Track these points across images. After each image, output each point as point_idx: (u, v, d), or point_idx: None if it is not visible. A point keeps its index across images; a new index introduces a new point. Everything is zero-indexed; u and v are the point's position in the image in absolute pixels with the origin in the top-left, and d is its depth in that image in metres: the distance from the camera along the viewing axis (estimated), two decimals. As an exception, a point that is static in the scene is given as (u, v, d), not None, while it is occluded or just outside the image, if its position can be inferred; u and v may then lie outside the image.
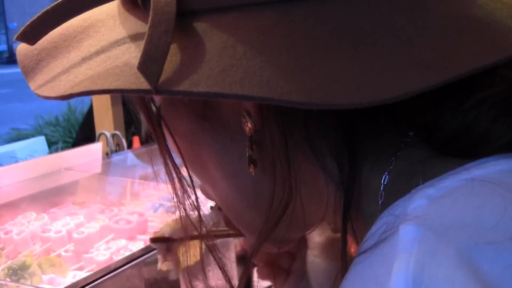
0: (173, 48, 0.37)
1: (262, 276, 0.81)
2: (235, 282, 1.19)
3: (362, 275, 0.36)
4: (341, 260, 0.43)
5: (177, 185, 0.50)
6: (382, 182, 0.41)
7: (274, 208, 0.43)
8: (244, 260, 1.40)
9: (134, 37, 0.39)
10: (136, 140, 2.14)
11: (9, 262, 1.20)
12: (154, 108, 0.49)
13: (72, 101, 7.46)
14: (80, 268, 1.23)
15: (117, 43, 0.40)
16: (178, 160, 0.50)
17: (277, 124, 0.41)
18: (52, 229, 1.33)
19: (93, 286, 1.10)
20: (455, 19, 0.38)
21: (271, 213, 0.43)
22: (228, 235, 0.88)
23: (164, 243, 0.86)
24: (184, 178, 0.50)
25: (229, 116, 0.44)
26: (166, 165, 0.50)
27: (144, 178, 1.81)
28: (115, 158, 1.97)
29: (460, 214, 0.35)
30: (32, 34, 0.41)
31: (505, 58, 0.37)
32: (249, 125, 0.42)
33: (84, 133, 2.72)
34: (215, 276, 1.12)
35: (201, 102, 0.44)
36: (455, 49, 0.37)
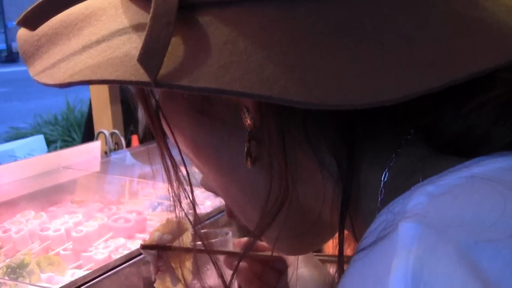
0: (174, 41, 0.37)
1: None
2: (234, 281, 1.19)
3: (361, 272, 0.36)
4: (338, 258, 0.43)
5: (174, 181, 0.50)
6: (382, 179, 0.41)
7: (270, 205, 0.43)
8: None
9: (135, 28, 0.39)
10: (135, 139, 2.14)
11: (7, 260, 1.20)
12: (153, 101, 0.48)
13: (71, 100, 7.46)
14: (79, 267, 1.23)
15: (118, 32, 0.39)
16: (177, 155, 0.49)
17: (275, 122, 0.41)
18: (51, 227, 1.33)
19: (92, 284, 1.10)
20: (457, 19, 0.38)
21: (267, 210, 0.43)
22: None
23: (155, 250, 0.85)
24: (182, 174, 0.50)
25: (228, 111, 0.43)
26: (163, 159, 0.50)
27: (143, 176, 1.81)
28: (114, 156, 1.97)
29: (460, 212, 0.35)
30: (33, 19, 0.41)
31: (507, 61, 0.37)
32: (249, 121, 0.42)
33: (88, 132, 2.72)
34: (213, 275, 1.12)
35: (200, 97, 0.44)
36: (456, 50, 0.36)
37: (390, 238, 0.35)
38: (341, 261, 0.43)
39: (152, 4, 0.37)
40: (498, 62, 0.37)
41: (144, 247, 0.85)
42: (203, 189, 1.64)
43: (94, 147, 1.85)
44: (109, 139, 2.00)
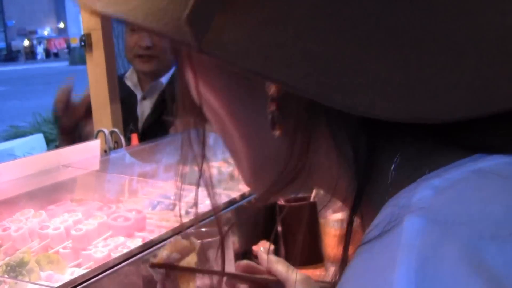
0: (224, 6, 0.36)
1: None
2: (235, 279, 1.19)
3: (365, 265, 0.36)
4: (343, 249, 0.43)
5: (198, 156, 0.49)
6: (390, 171, 0.41)
7: (284, 174, 0.43)
8: (243, 258, 1.40)
9: None
10: (134, 138, 2.14)
11: (7, 258, 1.20)
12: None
13: (71, 98, 7.45)
14: (78, 265, 1.23)
15: None
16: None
17: (300, 101, 0.40)
18: (50, 226, 1.33)
19: (91, 283, 1.10)
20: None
21: (279, 180, 0.43)
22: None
23: (163, 268, 0.86)
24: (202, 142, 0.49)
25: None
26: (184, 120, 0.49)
27: (143, 175, 1.81)
28: (113, 155, 1.97)
29: (466, 207, 0.35)
30: None
31: None
32: (273, 88, 0.41)
33: None
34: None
35: None
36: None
37: (394, 231, 0.35)
38: (346, 253, 0.42)
39: None
40: None
41: (153, 265, 0.86)
42: (203, 188, 1.64)
43: (94, 146, 1.85)
44: (109, 137, 2.00)
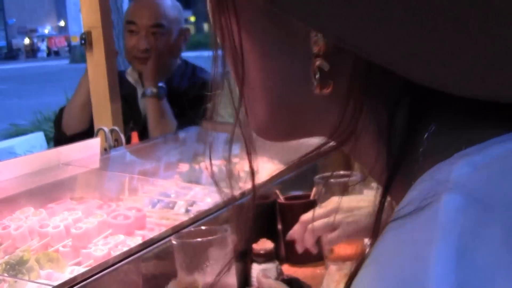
0: None
1: None
2: (234, 278, 1.20)
3: (399, 241, 0.34)
4: (374, 222, 0.41)
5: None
6: (423, 140, 0.39)
7: (334, 136, 0.41)
8: (242, 256, 1.40)
9: None
10: (134, 136, 2.14)
11: (6, 257, 1.20)
12: None
13: (71, 96, 7.46)
14: (78, 264, 1.23)
15: None
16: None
17: (347, 62, 0.39)
18: (50, 224, 1.33)
19: (91, 281, 1.10)
20: None
21: (327, 141, 0.42)
22: None
23: None
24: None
25: (298, 23, 0.41)
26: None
27: (143, 173, 1.81)
28: (114, 153, 1.96)
29: (506, 187, 0.34)
30: None
31: None
32: (321, 45, 0.39)
33: None
34: (213, 271, 1.12)
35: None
36: None
37: (432, 208, 0.33)
38: (377, 226, 0.41)
39: None
40: None
41: None
42: (203, 186, 1.65)
43: (94, 144, 1.85)
44: (109, 136, 2.00)
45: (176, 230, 1.28)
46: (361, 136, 0.41)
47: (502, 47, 0.34)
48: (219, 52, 0.46)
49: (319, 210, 1.30)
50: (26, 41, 38.99)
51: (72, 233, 1.30)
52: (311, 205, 1.49)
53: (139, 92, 2.52)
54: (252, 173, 0.47)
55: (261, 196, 1.29)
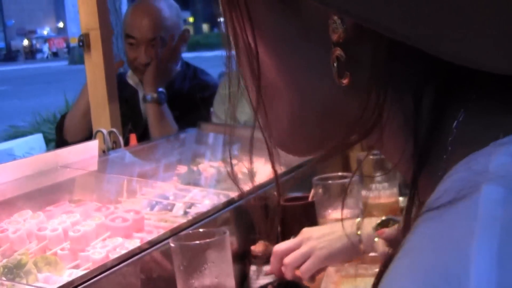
0: None
1: None
2: (232, 280, 1.20)
3: (434, 234, 0.32)
4: (405, 213, 0.39)
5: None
6: (453, 128, 0.37)
7: (357, 128, 0.40)
8: (241, 258, 1.40)
9: None
10: (133, 138, 2.14)
11: (4, 260, 1.19)
12: None
13: (70, 98, 7.46)
14: (76, 267, 1.23)
15: None
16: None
17: (369, 44, 0.38)
18: (48, 227, 1.32)
19: (89, 284, 1.10)
20: None
21: (349, 133, 0.41)
22: None
23: None
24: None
25: (314, 12, 0.39)
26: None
27: (141, 176, 1.81)
28: (112, 155, 1.96)
29: None
30: None
31: None
32: (340, 31, 0.38)
33: None
34: (211, 274, 1.12)
35: None
36: None
37: (470, 200, 0.32)
38: (409, 217, 0.39)
39: None
40: None
41: None
42: (201, 188, 1.64)
43: (92, 146, 1.84)
44: (107, 138, 2.00)
45: (175, 233, 1.27)
46: (386, 127, 0.40)
47: None
48: (233, 53, 0.44)
49: (289, 242, 1.31)
50: (25, 42, 38.98)
51: (70, 236, 1.30)
52: (310, 206, 1.49)
53: (140, 94, 2.52)
54: (276, 176, 0.46)
55: (260, 198, 1.29)
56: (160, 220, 1.45)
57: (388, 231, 1.21)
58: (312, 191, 1.52)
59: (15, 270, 1.15)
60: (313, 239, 1.27)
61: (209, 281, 1.12)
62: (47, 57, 37.67)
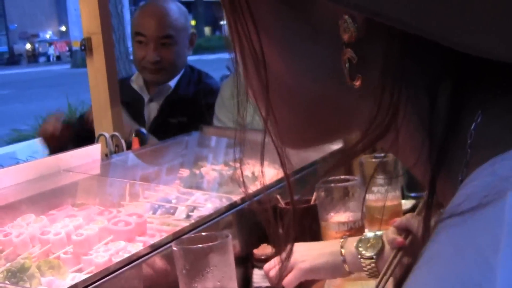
0: None
1: None
2: (234, 284, 1.20)
3: (457, 241, 0.31)
4: (425, 215, 0.38)
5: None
6: (471, 130, 0.36)
7: (371, 129, 0.39)
8: (243, 262, 1.40)
9: None
10: (135, 141, 2.14)
11: (8, 264, 1.20)
12: None
13: (73, 102, 7.47)
14: (79, 270, 1.23)
15: None
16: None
17: (383, 44, 0.37)
18: (51, 231, 1.33)
19: (92, 288, 1.10)
20: None
21: (365, 135, 0.39)
22: None
23: None
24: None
25: (323, 13, 0.38)
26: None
27: (143, 179, 1.81)
28: (114, 159, 1.97)
29: None
30: None
31: None
32: (351, 31, 0.37)
33: None
34: (214, 278, 1.12)
35: None
36: None
37: (495, 206, 0.30)
38: (428, 220, 0.38)
39: None
40: None
41: None
42: (204, 191, 1.64)
43: (95, 150, 1.85)
44: (110, 141, 2.00)
45: (177, 236, 1.28)
46: (402, 128, 0.39)
47: None
48: (239, 58, 0.43)
49: (276, 259, 1.31)
50: (28, 46, 39.05)
51: (73, 239, 1.30)
52: (312, 210, 1.49)
53: (145, 98, 2.53)
54: (287, 178, 0.45)
55: (267, 200, 1.30)
56: (163, 224, 1.45)
57: (399, 219, 1.21)
58: (315, 195, 1.52)
59: (18, 274, 1.16)
60: (297, 252, 1.27)
61: (212, 284, 1.12)
62: (52, 59, 37.73)
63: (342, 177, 1.52)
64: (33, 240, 1.32)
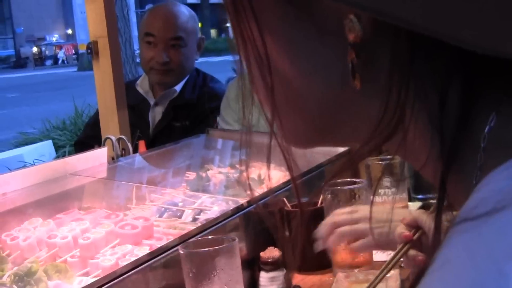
0: None
1: None
2: (241, 287, 1.19)
3: (470, 247, 0.30)
4: (435, 220, 0.38)
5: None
6: (484, 133, 0.35)
7: (379, 130, 0.38)
8: (250, 265, 1.40)
9: None
10: (142, 145, 2.14)
11: (15, 268, 1.20)
12: None
13: (79, 105, 7.49)
14: (86, 274, 1.24)
15: None
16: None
17: (390, 43, 0.36)
18: (58, 234, 1.33)
19: (99, 291, 1.10)
20: None
21: (373, 136, 0.39)
22: None
23: None
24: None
25: (328, 13, 0.38)
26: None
27: (150, 182, 1.81)
28: (121, 162, 1.97)
29: None
30: None
31: None
32: (357, 31, 0.37)
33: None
34: (221, 281, 1.12)
35: None
36: None
37: (510, 211, 0.30)
38: (439, 226, 0.37)
39: None
40: None
41: None
42: (210, 194, 1.64)
43: (101, 153, 1.85)
44: (116, 145, 2.00)
45: (184, 240, 1.27)
46: (410, 128, 0.38)
47: None
48: (243, 61, 0.42)
49: (346, 216, 1.30)
50: (34, 49, 39.20)
51: (80, 243, 1.30)
52: (319, 212, 1.48)
53: (151, 102, 2.53)
54: (294, 181, 0.44)
55: (273, 203, 1.30)
56: (169, 227, 1.45)
57: (409, 217, 1.20)
58: (321, 197, 1.52)
59: (25, 278, 1.16)
60: (371, 221, 1.25)
61: (218, 287, 1.12)
62: (62, 61, 37.84)
63: (349, 179, 1.52)
64: (40, 244, 1.33)
